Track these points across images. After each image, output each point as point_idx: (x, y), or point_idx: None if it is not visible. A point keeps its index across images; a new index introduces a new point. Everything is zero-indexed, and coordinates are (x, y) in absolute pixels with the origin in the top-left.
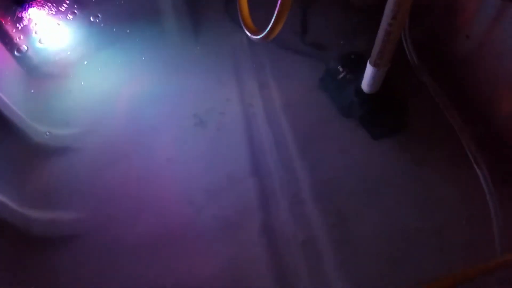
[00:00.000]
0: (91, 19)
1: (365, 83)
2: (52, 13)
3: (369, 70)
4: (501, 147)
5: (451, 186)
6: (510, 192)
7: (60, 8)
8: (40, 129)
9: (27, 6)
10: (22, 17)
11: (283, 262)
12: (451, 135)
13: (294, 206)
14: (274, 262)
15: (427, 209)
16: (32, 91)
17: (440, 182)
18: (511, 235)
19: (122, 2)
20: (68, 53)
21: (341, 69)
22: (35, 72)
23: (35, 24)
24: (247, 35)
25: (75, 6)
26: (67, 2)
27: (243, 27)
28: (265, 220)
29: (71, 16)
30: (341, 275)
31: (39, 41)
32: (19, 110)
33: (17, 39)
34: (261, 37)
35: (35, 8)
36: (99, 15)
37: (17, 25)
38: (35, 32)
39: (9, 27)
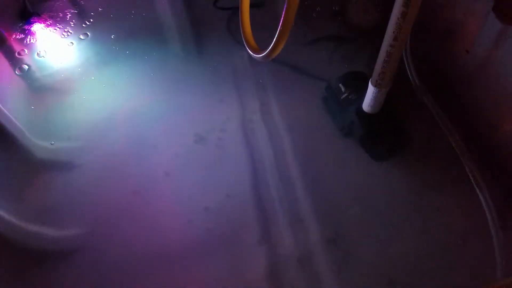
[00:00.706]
0: (100, 36)
1: (366, 103)
2: (58, 29)
3: (370, 90)
4: (502, 167)
5: (451, 208)
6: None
7: (66, 25)
8: (41, 144)
9: (32, 21)
10: (27, 33)
11: (280, 280)
12: (452, 156)
13: (293, 225)
14: (271, 281)
15: (427, 232)
16: (34, 106)
17: (440, 204)
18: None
19: (129, 20)
20: (74, 69)
21: (343, 89)
22: (38, 88)
23: (40, 39)
24: (249, 54)
25: (83, 24)
26: (73, 20)
27: (246, 45)
28: (263, 238)
29: (81, 36)
30: None
31: (43, 56)
32: (21, 124)
33: (21, 54)
34: (263, 56)
35: (40, 24)
36: (111, 35)
37: (22, 40)
38: (40, 48)
39: (13, 42)
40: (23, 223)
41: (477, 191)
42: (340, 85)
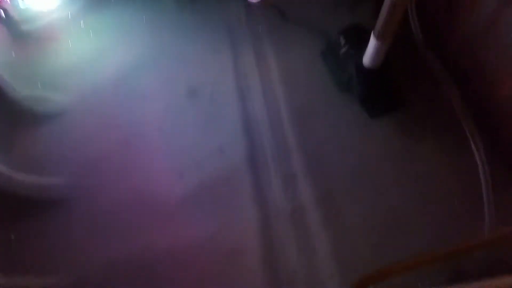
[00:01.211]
0: None
1: (367, 58)
2: None
3: (372, 43)
4: (500, 128)
5: (446, 166)
6: (503, 171)
7: None
8: (26, 93)
9: None
10: None
11: (272, 233)
12: (450, 115)
13: (286, 180)
14: (263, 232)
15: (418, 187)
16: (18, 54)
17: (433, 161)
18: (500, 212)
19: None
20: (60, 15)
21: (343, 42)
22: (21, 35)
23: None
24: (245, 3)
25: None
26: None
27: None
28: (256, 193)
29: None
30: (328, 248)
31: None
32: (4, 73)
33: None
34: None
35: None
36: None
37: None
38: None
39: None
40: (13, 172)
41: (474, 150)
42: (341, 38)
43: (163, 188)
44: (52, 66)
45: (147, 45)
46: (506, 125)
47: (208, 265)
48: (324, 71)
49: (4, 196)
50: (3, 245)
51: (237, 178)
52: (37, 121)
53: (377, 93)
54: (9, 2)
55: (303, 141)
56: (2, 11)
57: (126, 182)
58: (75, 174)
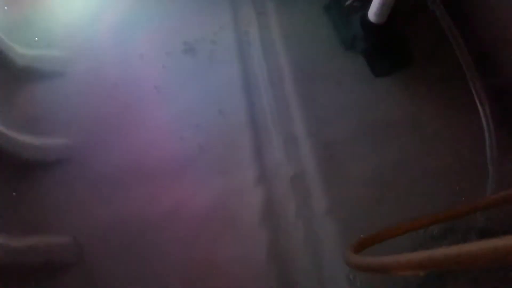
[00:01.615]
0: None
1: (373, 11)
2: None
3: None
4: (506, 85)
5: (450, 124)
6: (509, 130)
7: None
8: (22, 51)
9: None
10: None
11: (272, 194)
12: (457, 72)
13: (287, 141)
14: (263, 194)
15: (422, 147)
16: (12, 10)
17: (439, 121)
18: (504, 173)
19: None
20: None
21: None
22: None
23: None
24: None
25: None
26: None
27: None
28: (256, 154)
29: None
30: (328, 209)
31: None
32: None
33: None
34: None
35: None
36: None
37: None
38: None
39: None
40: (13, 132)
41: (479, 107)
42: None
43: (163, 150)
44: (47, 23)
45: (143, 3)
46: None
47: (208, 226)
48: (328, 26)
49: (5, 156)
50: (5, 206)
51: (237, 140)
52: (35, 80)
53: (383, 50)
54: None
55: (304, 101)
56: None
57: (125, 144)
58: (75, 134)
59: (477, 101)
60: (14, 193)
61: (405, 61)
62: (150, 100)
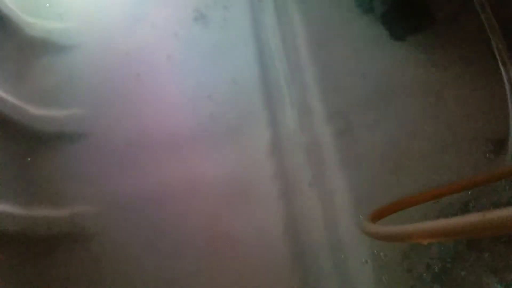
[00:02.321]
0: None
1: None
2: None
3: None
4: None
5: (471, 89)
6: None
7: None
8: (34, 22)
9: None
10: None
11: (286, 165)
12: (478, 35)
13: (301, 111)
14: (277, 165)
15: (442, 114)
16: None
17: (458, 86)
18: None
19: None
20: None
21: None
22: None
23: None
24: None
25: None
26: None
27: None
28: (270, 126)
29: None
30: (343, 179)
31: None
32: (9, 2)
33: None
34: None
35: None
36: None
37: None
38: None
39: None
40: (27, 105)
41: (503, 72)
42: None
43: (176, 120)
44: None
45: None
46: None
47: (223, 198)
48: None
49: (19, 130)
50: (22, 178)
51: (251, 109)
52: (47, 52)
53: (402, 11)
54: None
55: (319, 68)
56: None
57: (139, 114)
58: (89, 106)
59: (501, 67)
60: (31, 166)
61: (426, 23)
62: (162, 70)
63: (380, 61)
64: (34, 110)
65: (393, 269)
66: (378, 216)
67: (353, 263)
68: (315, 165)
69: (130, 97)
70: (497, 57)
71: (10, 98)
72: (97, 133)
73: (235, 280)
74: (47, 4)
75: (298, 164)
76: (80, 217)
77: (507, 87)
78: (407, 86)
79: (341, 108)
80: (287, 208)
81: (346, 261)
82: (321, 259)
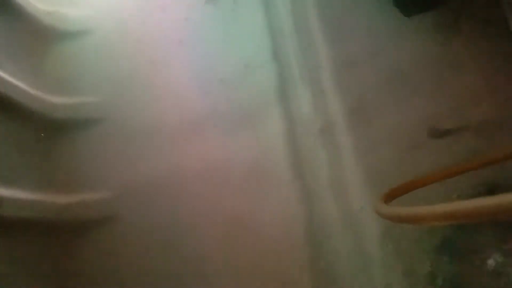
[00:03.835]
0: None
1: None
2: None
3: None
4: None
5: (487, 65)
6: None
7: None
8: (47, 9)
9: None
10: None
11: (301, 148)
12: (496, 14)
13: (315, 94)
14: (291, 148)
15: (457, 93)
16: None
17: (473, 65)
18: None
19: None
20: None
21: None
22: None
23: None
24: None
25: None
26: None
27: None
28: (285, 108)
29: None
30: (357, 162)
31: None
32: None
33: None
34: None
35: None
36: None
37: None
38: None
39: None
40: (43, 93)
41: None
42: None
43: (190, 105)
44: None
45: None
46: None
47: (240, 182)
48: None
49: (37, 118)
50: (40, 165)
51: (264, 93)
52: (61, 40)
53: None
54: None
55: (333, 49)
56: None
57: (153, 100)
58: (104, 92)
59: None
60: (49, 153)
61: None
62: (174, 55)
63: (392, 39)
64: (50, 97)
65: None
66: (391, 196)
67: (366, 240)
68: (329, 148)
69: (144, 82)
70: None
71: (25, 86)
72: (111, 119)
73: (250, 261)
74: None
75: (313, 147)
76: (97, 203)
77: None
78: (419, 65)
79: (355, 90)
80: (302, 191)
81: (359, 239)
82: (333, 237)
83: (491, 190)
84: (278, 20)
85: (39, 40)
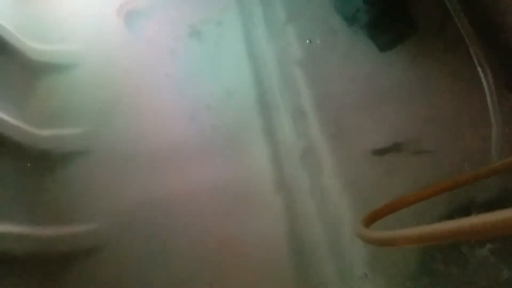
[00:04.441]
0: None
1: None
2: None
3: None
4: (507, 52)
5: (455, 95)
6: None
7: None
8: (35, 46)
9: None
10: None
11: (284, 170)
12: (459, 42)
13: (296, 118)
14: (275, 171)
15: (429, 121)
16: (23, 7)
17: (444, 92)
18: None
19: None
20: None
21: None
22: None
23: None
24: None
25: None
26: None
27: None
28: (268, 133)
29: None
30: (339, 183)
31: None
32: (8, 26)
33: None
34: None
35: None
36: None
37: None
38: None
39: None
40: (28, 126)
41: (481, 74)
42: None
43: (177, 132)
44: (57, 17)
45: None
46: None
47: (225, 206)
48: (329, 4)
49: (25, 151)
50: (28, 198)
51: (248, 118)
52: (49, 73)
53: (385, 23)
54: None
55: (311, 77)
56: None
57: (140, 128)
58: (91, 123)
59: (479, 72)
60: (35, 186)
61: (409, 32)
62: (161, 85)
63: (369, 67)
64: (38, 131)
65: None
66: (371, 219)
67: (352, 263)
68: (311, 169)
69: (130, 111)
70: (475, 62)
71: (14, 120)
72: (98, 149)
73: (238, 280)
74: (45, 35)
75: (296, 169)
76: (86, 234)
77: (486, 91)
78: (395, 91)
79: (334, 113)
80: (287, 212)
81: (343, 259)
82: (319, 260)
83: (469, 208)
84: (259, 51)
85: (27, 75)
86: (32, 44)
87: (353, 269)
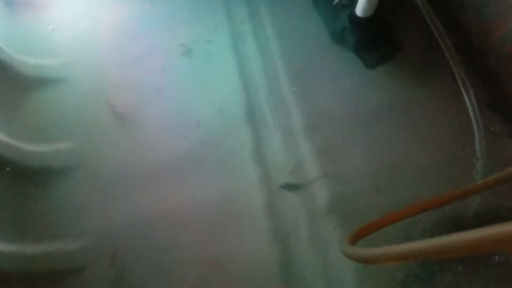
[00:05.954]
0: None
1: (360, 7)
2: None
3: None
4: (489, 73)
5: (439, 112)
6: (495, 118)
7: None
8: (24, 60)
9: None
10: None
11: (273, 188)
12: (442, 62)
13: (285, 136)
14: (266, 189)
15: (415, 138)
16: (12, 22)
17: (429, 110)
18: (492, 158)
19: None
20: None
21: None
22: (14, 2)
23: None
24: None
25: None
26: None
27: None
28: (257, 150)
29: None
30: (329, 201)
31: None
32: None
33: None
34: None
35: None
36: None
37: None
38: None
39: None
40: (17, 142)
41: (464, 95)
42: None
43: (167, 148)
44: (48, 33)
45: (137, 6)
46: (498, 72)
47: (214, 224)
48: (318, 23)
49: (13, 167)
50: (17, 215)
51: (238, 135)
52: (38, 88)
53: (371, 42)
54: None
55: (300, 95)
56: None
57: (130, 144)
58: (80, 138)
59: (461, 88)
60: (23, 202)
61: (394, 52)
62: (151, 101)
63: (356, 86)
64: (25, 146)
65: None
66: (357, 237)
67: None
68: (300, 188)
69: (120, 127)
70: (459, 82)
71: (3, 136)
72: (87, 166)
73: None
74: (34, 51)
75: (284, 186)
76: (70, 251)
77: (470, 110)
78: (382, 109)
79: (323, 131)
80: (276, 232)
81: (335, 282)
82: (308, 279)
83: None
84: (248, 68)
85: (14, 88)
86: (21, 58)
87: (342, 285)
